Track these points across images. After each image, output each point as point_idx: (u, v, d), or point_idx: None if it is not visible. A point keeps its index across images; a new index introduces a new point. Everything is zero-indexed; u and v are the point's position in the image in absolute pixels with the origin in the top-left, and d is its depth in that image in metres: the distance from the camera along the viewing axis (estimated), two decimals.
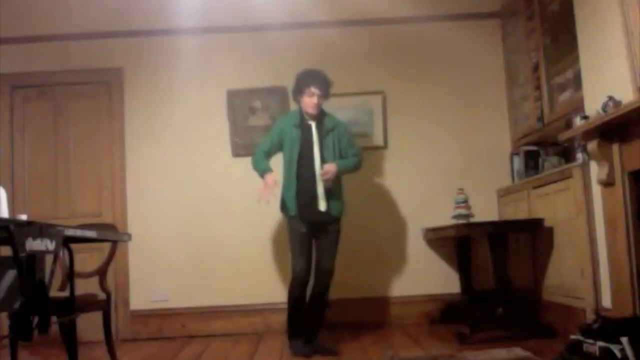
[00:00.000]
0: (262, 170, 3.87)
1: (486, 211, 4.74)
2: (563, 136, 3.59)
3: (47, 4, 5.01)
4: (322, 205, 3.84)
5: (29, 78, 5.02)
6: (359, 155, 4.09)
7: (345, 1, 5.01)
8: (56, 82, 5.04)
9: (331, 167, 3.83)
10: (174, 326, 4.85)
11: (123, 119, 5.03)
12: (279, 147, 3.97)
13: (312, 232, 3.87)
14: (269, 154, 3.96)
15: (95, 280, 3.52)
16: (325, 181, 3.83)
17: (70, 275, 2.98)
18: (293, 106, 4.22)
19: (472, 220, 4.32)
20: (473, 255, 4.76)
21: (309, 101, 3.88)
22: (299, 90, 3.94)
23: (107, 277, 3.62)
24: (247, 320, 4.80)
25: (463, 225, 4.12)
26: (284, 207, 3.93)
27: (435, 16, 5.08)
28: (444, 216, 4.55)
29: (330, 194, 3.86)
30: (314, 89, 3.87)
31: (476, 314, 4.09)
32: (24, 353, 4.18)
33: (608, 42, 3.22)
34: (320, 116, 3.96)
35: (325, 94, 3.93)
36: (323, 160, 3.87)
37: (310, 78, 3.90)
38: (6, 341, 3.35)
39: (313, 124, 3.92)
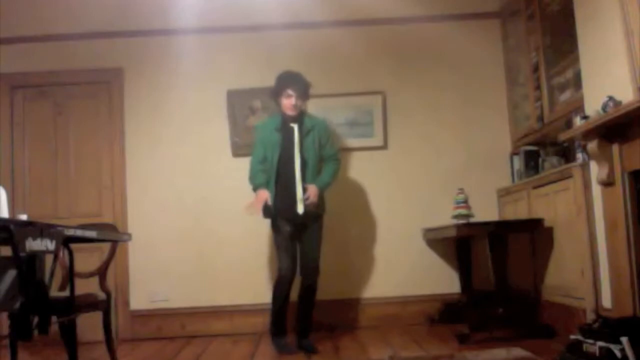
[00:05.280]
0: (256, 185, 3.97)
1: (486, 211, 4.74)
2: (563, 136, 3.59)
3: (47, 4, 5.00)
4: (300, 208, 3.90)
5: (29, 78, 5.03)
6: (338, 157, 4.17)
7: (345, 1, 5.01)
8: (56, 82, 5.04)
9: (312, 190, 3.91)
10: (173, 326, 4.85)
11: (123, 119, 5.03)
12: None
13: (294, 231, 3.95)
14: (264, 162, 4.00)
15: (95, 280, 3.52)
16: (307, 205, 3.89)
17: (70, 275, 2.98)
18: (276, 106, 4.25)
19: (472, 220, 4.31)
20: (473, 255, 4.76)
21: (287, 103, 3.98)
22: (277, 92, 4.03)
23: (107, 277, 3.61)
24: (247, 320, 4.80)
25: (463, 225, 4.12)
26: (265, 210, 3.97)
27: (435, 16, 5.08)
28: (444, 216, 4.54)
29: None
30: (290, 91, 3.96)
31: (476, 314, 4.10)
32: (24, 353, 4.18)
33: (608, 42, 3.22)
34: (301, 117, 4.03)
35: (302, 96, 4.00)
36: (303, 162, 3.94)
37: (287, 80, 4.00)
38: (6, 341, 3.35)
39: (295, 127, 3.98)
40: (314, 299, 4.03)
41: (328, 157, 4.10)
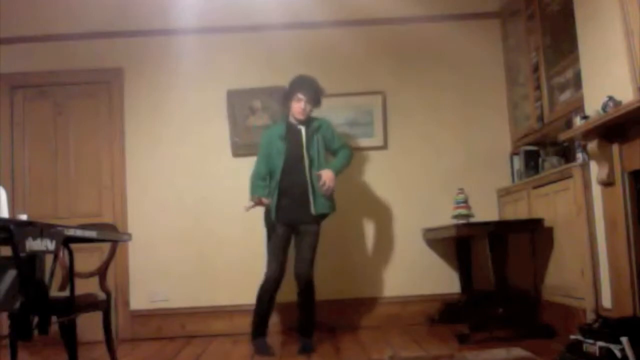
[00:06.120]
0: (256, 195, 4.00)
1: (486, 211, 4.74)
2: (563, 136, 3.59)
3: (47, 4, 5.01)
4: (313, 208, 3.95)
5: (29, 78, 5.02)
6: (347, 146, 4.22)
7: (345, 1, 5.01)
8: (56, 82, 5.04)
9: (327, 175, 3.92)
10: (173, 326, 4.85)
11: (123, 119, 5.03)
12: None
13: (289, 234, 3.99)
14: (266, 176, 4.05)
15: (95, 280, 3.52)
16: (326, 190, 3.92)
17: (70, 275, 2.98)
18: (285, 109, 4.27)
19: (472, 220, 4.32)
20: (473, 255, 4.77)
21: (297, 106, 4.01)
22: (288, 97, 4.07)
23: (107, 277, 3.61)
24: (247, 321, 4.76)
25: (463, 225, 4.12)
26: (266, 214, 4.04)
27: (435, 16, 5.08)
28: (444, 216, 4.54)
29: (318, 193, 3.96)
30: (300, 95, 4.00)
31: (476, 314, 4.10)
32: (24, 353, 4.18)
33: (608, 42, 3.22)
34: (308, 120, 4.07)
35: (312, 100, 4.03)
36: (310, 160, 3.97)
37: (298, 85, 4.03)
38: (6, 341, 3.35)
39: (303, 129, 4.03)
40: (313, 297, 4.03)
41: (338, 148, 4.15)
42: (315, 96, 4.04)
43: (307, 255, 3.97)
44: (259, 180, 4.06)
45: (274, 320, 4.50)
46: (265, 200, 3.96)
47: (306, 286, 3.96)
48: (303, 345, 3.91)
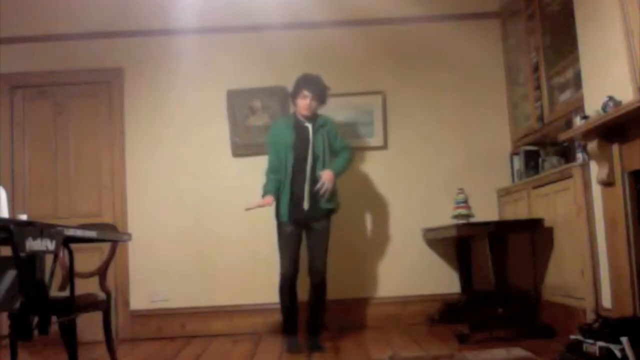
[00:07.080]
0: (266, 191, 4.03)
1: (486, 211, 4.74)
2: (563, 136, 3.59)
3: (47, 4, 5.01)
4: (306, 204, 3.96)
5: (29, 78, 5.03)
6: (349, 147, 4.25)
7: (345, 1, 5.01)
8: (56, 82, 5.04)
9: (327, 174, 3.95)
10: (173, 326, 4.85)
11: (123, 119, 5.03)
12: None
13: (300, 231, 4.02)
14: (278, 171, 4.04)
15: (95, 280, 3.52)
16: (323, 192, 3.95)
17: (70, 275, 2.98)
18: (293, 106, 4.29)
19: (472, 220, 4.31)
20: (473, 255, 4.77)
21: (302, 103, 4.05)
22: (294, 93, 4.11)
23: (107, 277, 3.61)
24: (247, 320, 4.80)
25: (463, 225, 4.12)
26: (277, 212, 4.05)
27: (435, 16, 5.08)
28: (444, 216, 4.54)
29: (317, 191, 3.97)
30: (306, 92, 4.04)
31: (476, 314, 4.10)
32: (24, 353, 4.18)
33: (608, 42, 3.22)
34: (314, 118, 4.10)
35: (317, 98, 4.07)
36: (315, 157, 4.00)
37: (304, 82, 4.08)
38: (6, 341, 3.35)
39: (310, 126, 4.05)
40: (324, 298, 4.08)
41: (340, 149, 4.18)
42: (321, 93, 4.08)
43: (320, 252, 4.02)
44: (271, 174, 4.07)
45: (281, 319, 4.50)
46: (267, 200, 3.96)
47: (319, 283, 4.02)
48: (312, 344, 3.95)
